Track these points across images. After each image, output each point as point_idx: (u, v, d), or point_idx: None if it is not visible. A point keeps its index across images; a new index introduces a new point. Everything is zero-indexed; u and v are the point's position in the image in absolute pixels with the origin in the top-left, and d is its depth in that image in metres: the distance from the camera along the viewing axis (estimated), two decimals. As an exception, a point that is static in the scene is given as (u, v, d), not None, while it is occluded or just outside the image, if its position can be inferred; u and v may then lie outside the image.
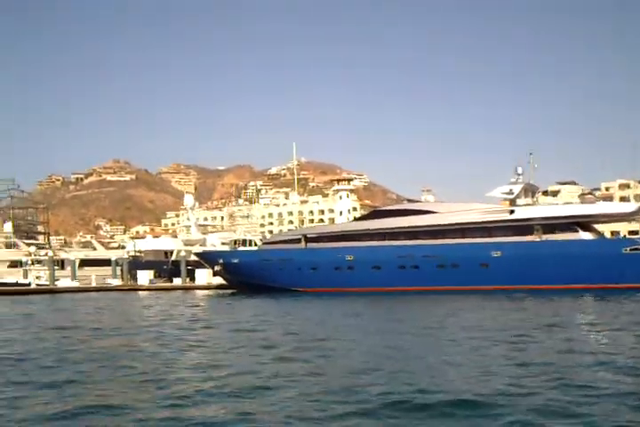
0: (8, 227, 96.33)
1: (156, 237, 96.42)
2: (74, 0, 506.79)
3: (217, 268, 63.11)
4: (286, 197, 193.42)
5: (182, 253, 72.99)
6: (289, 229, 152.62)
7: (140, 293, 66.49)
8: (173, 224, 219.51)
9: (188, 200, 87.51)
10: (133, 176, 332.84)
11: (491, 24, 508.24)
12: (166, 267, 77.45)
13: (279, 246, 61.63)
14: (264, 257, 61.06)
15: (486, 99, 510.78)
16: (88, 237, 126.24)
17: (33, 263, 79.95)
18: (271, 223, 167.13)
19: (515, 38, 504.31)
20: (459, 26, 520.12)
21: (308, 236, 60.63)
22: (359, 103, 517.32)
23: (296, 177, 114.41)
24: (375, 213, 60.93)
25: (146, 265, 76.28)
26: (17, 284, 71.98)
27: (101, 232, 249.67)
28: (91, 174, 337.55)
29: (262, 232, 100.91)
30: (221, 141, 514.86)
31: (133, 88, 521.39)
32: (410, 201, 60.12)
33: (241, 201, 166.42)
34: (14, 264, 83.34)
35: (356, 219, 69.59)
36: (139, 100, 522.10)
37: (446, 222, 55.86)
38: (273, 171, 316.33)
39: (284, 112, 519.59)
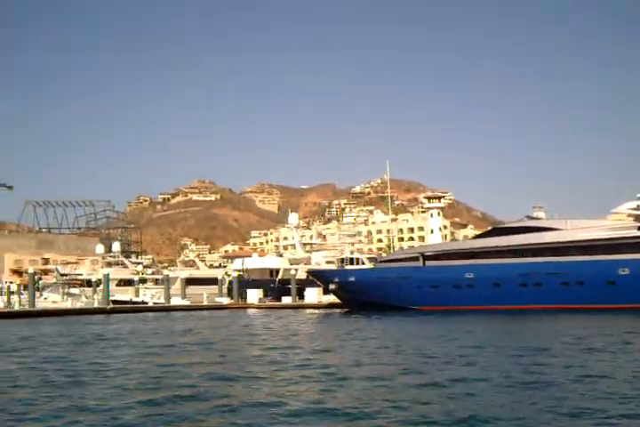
0: (116, 247, 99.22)
1: (262, 255, 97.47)
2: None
3: (332, 286, 63.20)
4: (371, 216, 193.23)
5: (292, 272, 73.36)
6: (377, 248, 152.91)
7: (249, 311, 66.74)
8: (262, 243, 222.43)
9: (293, 219, 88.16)
10: (218, 196, 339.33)
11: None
12: (273, 285, 77.97)
13: (396, 265, 61.33)
14: (381, 275, 61.01)
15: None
16: (191, 256, 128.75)
17: (143, 282, 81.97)
18: (360, 241, 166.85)
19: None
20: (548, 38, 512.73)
21: (426, 254, 60.21)
22: (441, 120, 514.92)
23: (389, 195, 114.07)
24: (495, 231, 60.01)
25: (253, 284, 76.89)
26: (131, 301, 73.89)
27: (187, 251, 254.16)
28: (177, 195, 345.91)
29: (352, 251, 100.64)
30: (304, 160, 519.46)
31: (217, 109, 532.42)
32: (530, 218, 58.90)
33: (351, 219, 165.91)
34: (120, 283, 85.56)
35: (475, 236, 68.80)
36: (222, 121, 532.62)
37: (571, 239, 54.69)
38: (357, 189, 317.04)
39: (366, 130, 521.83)
